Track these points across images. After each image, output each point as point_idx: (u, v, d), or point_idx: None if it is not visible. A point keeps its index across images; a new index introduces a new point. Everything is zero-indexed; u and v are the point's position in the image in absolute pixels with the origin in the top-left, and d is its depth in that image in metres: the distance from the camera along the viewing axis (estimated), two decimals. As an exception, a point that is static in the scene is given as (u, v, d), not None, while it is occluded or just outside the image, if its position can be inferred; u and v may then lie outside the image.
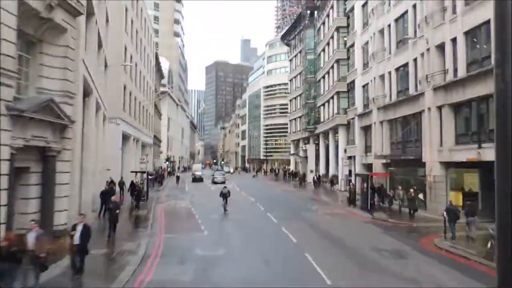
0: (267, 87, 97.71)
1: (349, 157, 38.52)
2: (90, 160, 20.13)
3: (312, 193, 38.30)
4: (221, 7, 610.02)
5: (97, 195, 21.74)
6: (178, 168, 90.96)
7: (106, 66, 26.40)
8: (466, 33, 21.07)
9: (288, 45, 72.15)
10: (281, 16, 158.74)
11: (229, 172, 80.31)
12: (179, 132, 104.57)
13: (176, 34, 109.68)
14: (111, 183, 29.72)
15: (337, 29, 42.54)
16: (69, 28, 13.33)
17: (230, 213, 25.19)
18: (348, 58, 40.05)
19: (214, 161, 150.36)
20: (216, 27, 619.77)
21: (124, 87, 35.75)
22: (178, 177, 51.22)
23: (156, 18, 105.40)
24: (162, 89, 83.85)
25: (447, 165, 22.89)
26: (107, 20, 26.16)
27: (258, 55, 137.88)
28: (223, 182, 43.70)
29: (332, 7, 45.36)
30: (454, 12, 22.24)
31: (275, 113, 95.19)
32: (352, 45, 38.33)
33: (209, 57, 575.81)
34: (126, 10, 35.90)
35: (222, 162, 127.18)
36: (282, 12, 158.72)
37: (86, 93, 19.15)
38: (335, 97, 43.79)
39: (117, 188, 31.53)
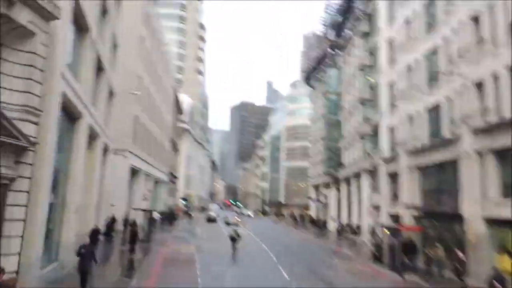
0: (289, 128, 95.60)
1: (374, 206, 34.95)
2: (76, 193, 17.74)
3: (333, 244, 34.66)
4: (248, 50, 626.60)
5: (84, 235, 19.15)
6: (195, 207, 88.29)
7: (111, 93, 24.68)
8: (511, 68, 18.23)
9: (310, 85, 70.48)
10: (306, 59, 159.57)
11: (248, 215, 76.88)
12: (198, 171, 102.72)
13: (199, 72, 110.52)
14: (111, 220, 27.31)
15: (361, 67, 40.31)
16: (38, 33, 11.33)
17: (238, 262, 22.26)
18: (373, 98, 37.42)
19: (236, 202, 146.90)
20: (244, 69, 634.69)
21: (136, 118, 34.17)
22: (191, 217, 48.56)
23: (180, 56, 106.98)
24: (182, 125, 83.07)
25: (491, 221, 19.31)
26: (115, 45, 24.70)
27: (282, 96, 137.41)
28: (236, 225, 42.23)
29: (355, 45, 43.47)
30: (494, 44, 19.52)
31: (296, 155, 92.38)
32: (377, 85, 35.84)
33: (234, 98, 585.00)
34: (143, 39, 34.97)
35: (239, 204, 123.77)
36: (307, 55, 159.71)
37: (72, 116, 17.12)
38: (359, 140, 40.88)
39: (119, 226, 29.17)
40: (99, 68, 20.57)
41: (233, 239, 24.50)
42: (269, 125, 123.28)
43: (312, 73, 67.91)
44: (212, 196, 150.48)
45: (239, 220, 48.84)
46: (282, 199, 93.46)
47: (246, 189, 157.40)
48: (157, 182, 46.87)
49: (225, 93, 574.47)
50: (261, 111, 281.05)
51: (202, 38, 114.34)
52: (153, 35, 40.82)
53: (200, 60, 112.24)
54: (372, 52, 38.02)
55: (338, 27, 50.38)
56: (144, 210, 29.42)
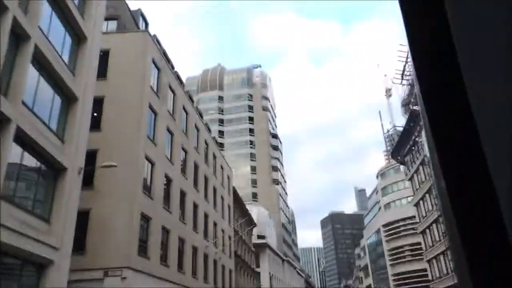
0: (387, 225, 78.57)
1: None
2: None
3: None
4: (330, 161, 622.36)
5: None
6: None
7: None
8: None
9: (403, 163, 56.84)
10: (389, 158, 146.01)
11: None
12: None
13: (275, 182, 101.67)
14: None
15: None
16: None
17: None
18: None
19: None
20: (329, 176, 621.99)
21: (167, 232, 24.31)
22: None
23: (252, 168, 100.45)
24: (258, 241, 71.21)
25: None
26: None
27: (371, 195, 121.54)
28: None
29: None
30: None
31: (404, 257, 73.52)
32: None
33: (322, 210, 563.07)
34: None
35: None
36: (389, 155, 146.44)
37: None
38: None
39: None
40: None
41: None
42: (365, 228, 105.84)
43: (399, 148, 55.15)
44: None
45: None
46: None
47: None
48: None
49: (309, 206, 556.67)
50: (354, 220, 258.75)
51: (275, 148, 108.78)
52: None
53: (276, 169, 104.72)
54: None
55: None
56: None
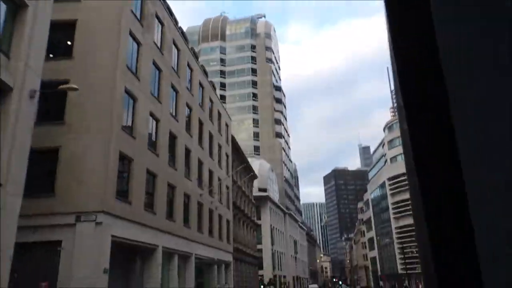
0: (392, 178, 76.69)
1: None
2: None
3: None
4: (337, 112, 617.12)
5: None
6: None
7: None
8: None
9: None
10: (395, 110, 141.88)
11: None
12: (290, 247, 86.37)
13: (278, 135, 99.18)
14: None
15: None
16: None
17: None
18: None
19: (343, 279, 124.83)
20: (333, 134, 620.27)
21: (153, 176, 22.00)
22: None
23: (255, 121, 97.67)
24: (259, 193, 69.81)
25: None
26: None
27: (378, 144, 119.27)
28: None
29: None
30: None
31: (408, 210, 72.17)
32: None
33: (326, 167, 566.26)
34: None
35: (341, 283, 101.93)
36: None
37: None
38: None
39: None
40: None
41: None
42: (369, 182, 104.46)
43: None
44: (316, 275, 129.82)
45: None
46: (400, 270, 71.94)
47: (354, 262, 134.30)
48: (209, 264, 33.01)
49: (313, 163, 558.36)
50: (357, 176, 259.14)
51: (278, 101, 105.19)
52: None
53: (279, 122, 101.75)
54: None
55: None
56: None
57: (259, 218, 67.57)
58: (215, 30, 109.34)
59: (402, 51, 0.90)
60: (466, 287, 0.76)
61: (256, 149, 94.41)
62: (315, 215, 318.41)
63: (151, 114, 23.06)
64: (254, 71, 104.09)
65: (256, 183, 71.40)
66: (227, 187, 40.90)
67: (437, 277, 0.78)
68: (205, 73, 38.26)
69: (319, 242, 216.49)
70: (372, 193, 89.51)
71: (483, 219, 0.75)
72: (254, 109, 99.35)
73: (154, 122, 23.77)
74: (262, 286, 48.30)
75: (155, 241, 22.16)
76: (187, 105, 30.22)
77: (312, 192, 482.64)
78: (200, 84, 34.55)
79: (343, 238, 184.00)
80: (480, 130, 0.78)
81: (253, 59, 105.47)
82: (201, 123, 33.41)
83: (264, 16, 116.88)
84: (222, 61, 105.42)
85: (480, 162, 0.76)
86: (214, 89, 41.15)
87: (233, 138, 45.85)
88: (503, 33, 0.79)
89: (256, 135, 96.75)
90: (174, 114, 27.25)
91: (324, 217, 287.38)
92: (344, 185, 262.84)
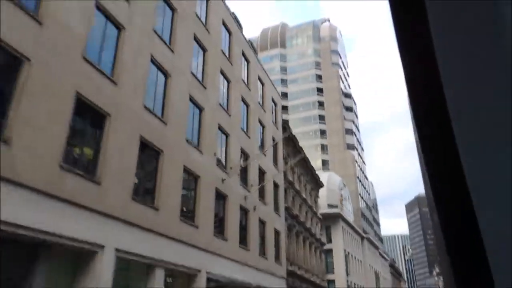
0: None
1: None
2: None
3: None
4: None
5: None
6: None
7: None
8: None
9: None
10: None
11: None
12: (370, 279, 70.38)
13: (350, 147, 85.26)
14: None
15: None
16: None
17: None
18: None
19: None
20: (413, 161, 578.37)
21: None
22: None
23: (323, 132, 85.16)
24: (328, 210, 56.65)
25: None
26: None
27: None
28: None
29: None
30: None
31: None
32: None
33: (407, 197, 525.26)
34: None
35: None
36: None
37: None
38: None
39: None
40: None
41: None
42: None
43: None
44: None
45: None
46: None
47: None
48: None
49: (392, 194, 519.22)
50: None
51: (349, 109, 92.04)
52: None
53: (351, 133, 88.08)
54: None
55: None
56: None
57: (329, 241, 54.14)
58: (274, 38, 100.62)
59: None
60: None
61: (324, 163, 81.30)
62: (398, 247, 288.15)
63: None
64: (319, 78, 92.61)
65: (324, 200, 58.45)
66: (277, 185, 29.16)
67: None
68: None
69: (405, 279, 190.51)
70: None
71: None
72: (321, 118, 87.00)
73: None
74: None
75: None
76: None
77: (393, 225, 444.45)
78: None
79: (434, 273, 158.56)
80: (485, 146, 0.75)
81: (318, 64, 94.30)
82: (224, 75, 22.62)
83: (329, 20, 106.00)
84: (283, 69, 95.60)
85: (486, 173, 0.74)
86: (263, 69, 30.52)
87: (285, 123, 34.32)
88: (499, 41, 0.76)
89: (323, 148, 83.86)
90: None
91: (409, 250, 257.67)
92: (430, 214, 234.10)
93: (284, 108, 74.78)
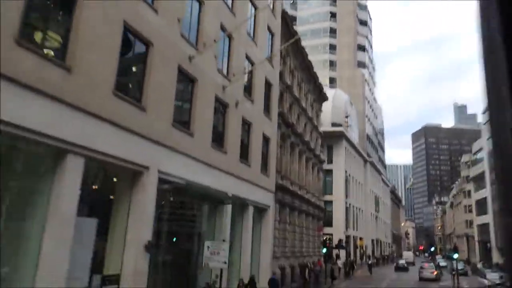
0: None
1: None
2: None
3: None
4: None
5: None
6: (369, 256, 53.74)
7: None
8: None
9: None
10: None
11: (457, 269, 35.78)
12: (370, 203, 68.00)
13: (361, 65, 78.35)
14: None
15: None
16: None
17: None
18: None
19: (432, 249, 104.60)
20: (423, 95, 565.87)
21: None
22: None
23: (332, 47, 77.72)
24: (332, 128, 51.99)
25: None
26: None
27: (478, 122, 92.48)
28: (435, 280, 34.82)
29: None
30: None
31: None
32: None
33: (414, 128, 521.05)
34: None
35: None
36: None
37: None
38: None
39: None
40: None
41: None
42: (482, 130, 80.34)
43: None
44: (399, 240, 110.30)
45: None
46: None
47: (447, 229, 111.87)
48: (230, 211, 16.90)
49: (399, 124, 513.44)
50: (452, 135, 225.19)
51: (363, 23, 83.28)
52: None
53: (363, 49, 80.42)
54: None
55: None
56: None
57: (330, 162, 50.25)
58: None
59: None
60: None
61: (332, 81, 75.09)
62: (399, 177, 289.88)
63: None
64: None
65: (328, 117, 53.55)
66: (269, 84, 23.92)
67: None
68: None
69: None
70: (490, 138, 66.24)
71: None
72: (332, 31, 78.97)
73: None
74: (325, 249, 31.46)
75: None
76: None
77: (396, 155, 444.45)
78: None
79: (433, 202, 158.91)
80: None
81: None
82: None
83: None
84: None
85: None
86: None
87: (284, 13, 28.07)
88: None
89: (332, 64, 77.03)
90: None
91: (410, 179, 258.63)
92: (435, 143, 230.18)
93: (292, 18, 66.98)
